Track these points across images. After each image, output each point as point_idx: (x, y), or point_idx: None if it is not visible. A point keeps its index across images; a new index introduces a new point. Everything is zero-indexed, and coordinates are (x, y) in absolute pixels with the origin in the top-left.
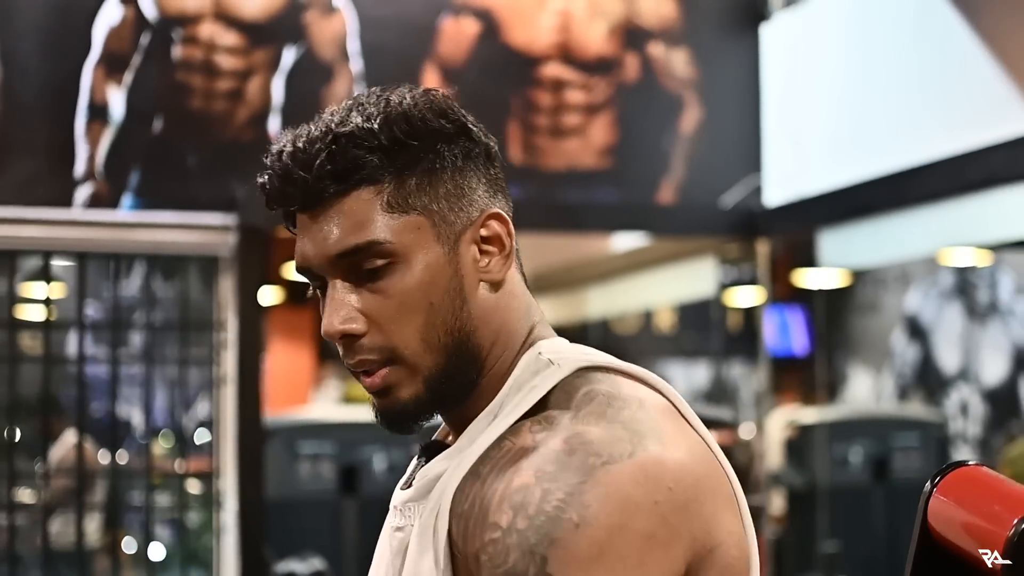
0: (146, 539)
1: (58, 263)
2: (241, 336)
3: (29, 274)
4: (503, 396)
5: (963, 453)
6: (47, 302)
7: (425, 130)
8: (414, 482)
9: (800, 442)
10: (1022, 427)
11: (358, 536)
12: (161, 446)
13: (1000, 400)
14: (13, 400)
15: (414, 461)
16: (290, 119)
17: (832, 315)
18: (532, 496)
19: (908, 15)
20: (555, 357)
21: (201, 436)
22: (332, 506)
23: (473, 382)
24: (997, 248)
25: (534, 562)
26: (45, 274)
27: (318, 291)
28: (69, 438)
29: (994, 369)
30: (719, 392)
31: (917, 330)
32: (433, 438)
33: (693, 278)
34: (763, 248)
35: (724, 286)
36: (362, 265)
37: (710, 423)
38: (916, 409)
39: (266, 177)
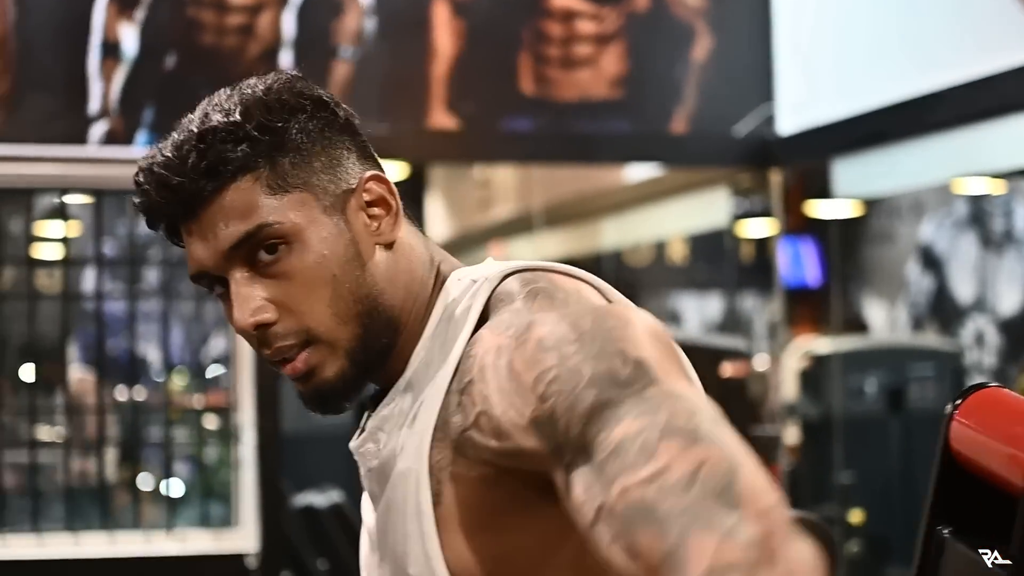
0: (165, 475)
1: (73, 201)
2: None
3: (44, 212)
4: (430, 333)
5: None
6: (64, 240)
7: (284, 110)
8: (367, 427)
9: (815, 373)
10: None
11: None
12: (178, 382)
13: (1016, 330)
14: (31, 338)
15: (365, 413)
16: (301, 54)
17: (846, 246)
18: (561, 333)
19: None
20: (476, 275)
21: (216, 371)
22: (347, 440)
23: (391, 343)
24: (1012, 176)
25: (614, 357)
26: (61, 212)
27: (219, 296)
28: (78, 374)
29: (1010, 299)
30: (733, 324)
31: (931, 260)
32: (376, 388)
33: (706, 209)
34: (776, 178)
35: (737, 217)
36: (256, 253)
37: (723, 353)
38: (931, 339)
39: (142, 195)
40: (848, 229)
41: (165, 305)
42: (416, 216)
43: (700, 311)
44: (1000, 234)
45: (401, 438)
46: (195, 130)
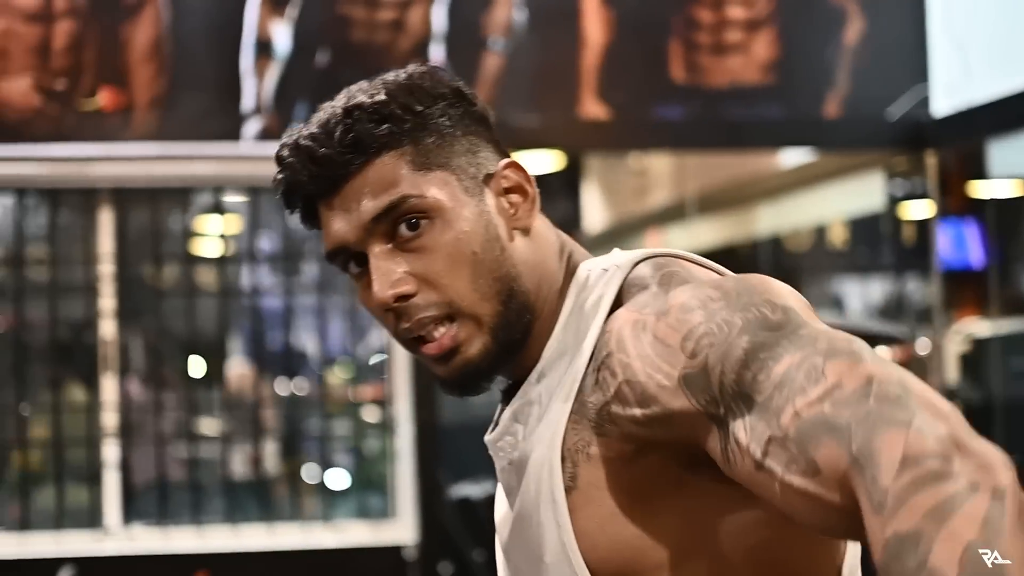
0: (323, 467)
1: (231, 198)
2: None
3: (202, 209)
4: (563, 323)
5: None
6: (222, 237)
7: (426, 95)
8: (502, 420)
9: (975, 356)
10: None
11: None
12: (336, 375)
13: None
14: (191, 334)
15: (499, 406)
16: (452, 47)
17: (1005, 227)
18: (704, 295)
19: None
20: (607, 264)
21: (378, 360)
22: None
23: (529, 326)
24: None
25: (763, 305)
26: (218, 209)
27: (354, 276)
28: (238, 368)
29: None
30: (893, 307)
31: None
32: (509, 383)
33: (863, 192)
34: (931, 160)
35: (895, 200)
36: (397, 228)
37: (877, 338)
38: None
39: (285, 170)
40: (1008, 210)
41: (322, 299)
42: (572, 205)
43: (856, 295)
44: None
45: (537, 429)
46: (341, 108)
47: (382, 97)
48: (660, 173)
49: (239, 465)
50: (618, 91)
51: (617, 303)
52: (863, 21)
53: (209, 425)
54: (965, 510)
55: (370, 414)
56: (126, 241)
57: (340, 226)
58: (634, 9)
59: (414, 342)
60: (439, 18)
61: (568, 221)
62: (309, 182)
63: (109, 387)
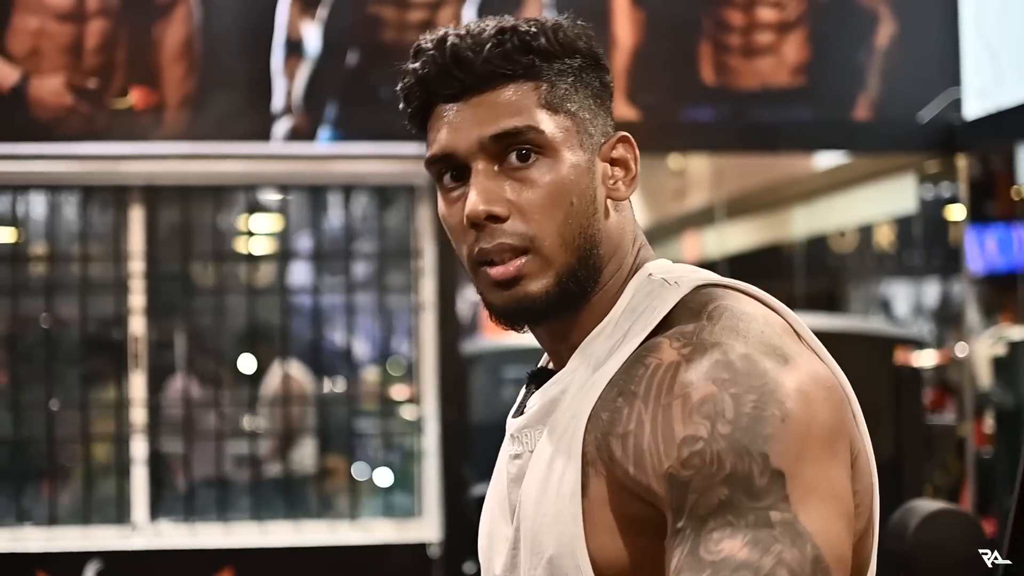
0: (349, 464)
1: (272, 197)
2: (440, 264)
3: (234, 207)
4: (615, 317)
5: None
6: (249, 234)
7: (579, 48)
8: (527, 409)
9: (1009, 360)
10: None
11: None
12: (376, 373)
13: None
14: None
15: (523, 389)
16: None
17: None
18: (724, 402)
19: None
20: (669, 276)
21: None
22: None
23: (589, 292)
24: None
25: (755, 460)
26: (252, 208)
27: (447, 188)
28: (280, 369)
29: None
30: (930, 310)
31: None
32: (539, 366)
33: (896, 195)
34: (962, 163)
35: (930, 202)
36: (509, 154)
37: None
38: None
39: (425, 63)
40: None
41: (353, 298)
42: None
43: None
44: None
45: (564, 423)
46: (494, 24)
47: (535, 30)
48: (698, 175)
49: (271, 462)
50: (648, 93)
51: (668, 319)
52: (895, 24)
53: (249, 422)
54: None
55: (411, 413)
56: (156, 239)
57: (454, 135)
58: (664, 11)
59: (480, 264)
60: (469, 18)
61: None
62: (441, 80)
63: (138, 383)
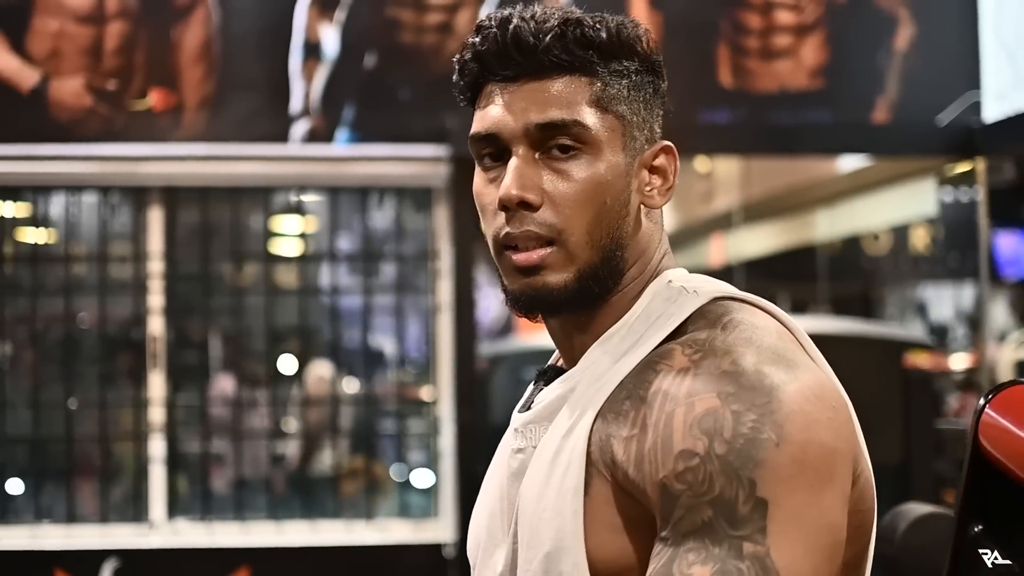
0: (366, 464)
1: (292, 198)
2: (456, 265)
3: (258, 208)
4: (629, 321)
5: None
6: (269, 235)
7: (635, 51)
8: (533, 405)
9: None
10: None
11: None
12: (410, 373)
13: None
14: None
15: (531, 386)
16: None
17: None
18: (724, 419)
19: None
20: (688, 285)
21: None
22: None
23: (608, 293)
24: None
25: (742, 486)
26: (271, 208)
27: (485, 168)
28: (317, 370)
29: None
30: (958, 314)
31: None
32: (548, 364)
33: (918, 198)
34: (981, 166)
35: (951, 206)
36: (554, 144)
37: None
38: None
39: (486, 40)
40: None
41: (366, 297)
42: None
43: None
44: None
45: (569, 421)
46: (559, 13)
47: (599, 27)
48: (723, 178)
49: (312, 461)
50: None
51: (681, 328)
52: (914, 27)
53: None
54: None
55: (424, 414)
56: (175, 239)
57: (503, 117)
58: (682, 13)
59: (505, 248)
60: None
61: None
62: (498, 60)
63: (156, 383)
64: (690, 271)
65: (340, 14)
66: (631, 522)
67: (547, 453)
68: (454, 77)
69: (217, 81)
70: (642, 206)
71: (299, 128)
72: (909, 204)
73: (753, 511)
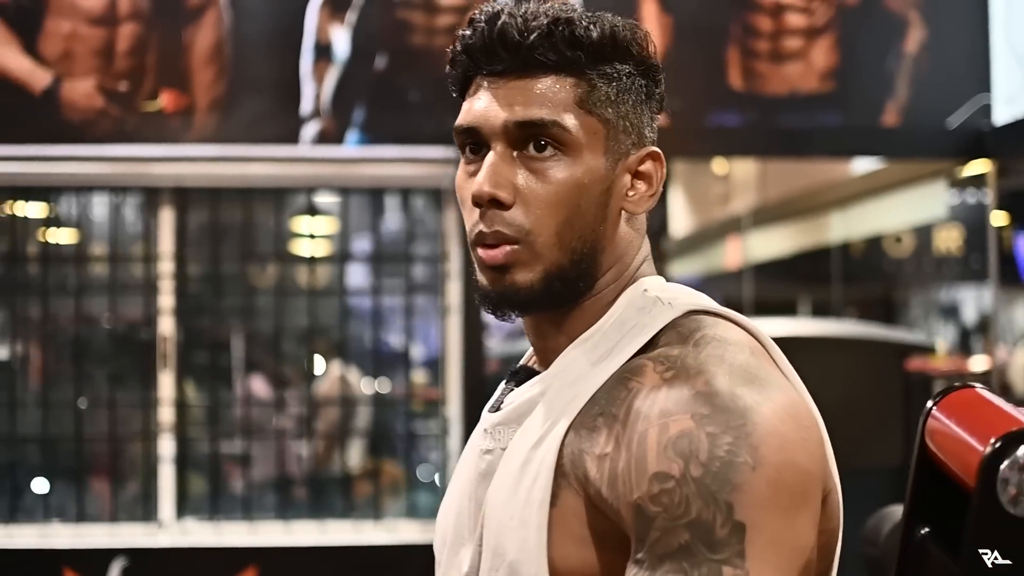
0: (374, 463)
1: (306, 198)
2: (465, 267)
3: (269, 209)
4: (603, 327)
5: None
6: (279, 236)
7: (628, 52)
8: (503, 406)
9: None
10: None
11: None
12: (424, 374)
13: None
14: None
15: (502, 385)
16: None
17: None
18: (699, 441)
19: None
20: (663, 296)
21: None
22: None
23: (579, 296)
24: None
25: (720, 509)
26: (284, 209)
27: (466, 161)
28: (331, 370)
29: None
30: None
31: None
32: (520, 364)
33: (930, 201)
34: (991, 169)
35: (961, 208)
36: (529, 143)
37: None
38: None
39: (475, 35)
40: None
41: (378, 297)
42: (660, 210)
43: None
44: None
45: (540, 429)
46: (550, 11)
47: (591, 28)
48: (741, 179)
49: (326, 462)
50: (675, 98)
51: (655, 339)
52: (924, 30)
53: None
54: None
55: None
56: (186, 240)
57: (485, 111)
58: (692, 16)
59: (476, 244)
60: None
61: (655, 227)
62: (484, 55)
63: (166, 383)
64: (707, 273)
65: (351, 16)
66: (599, 536)
67: (516, 460)
68: (446, 68)
69: (228, 82)
70: (623, 211)
71: (309, 129)
72: (921, 207)
73: (731, 535)
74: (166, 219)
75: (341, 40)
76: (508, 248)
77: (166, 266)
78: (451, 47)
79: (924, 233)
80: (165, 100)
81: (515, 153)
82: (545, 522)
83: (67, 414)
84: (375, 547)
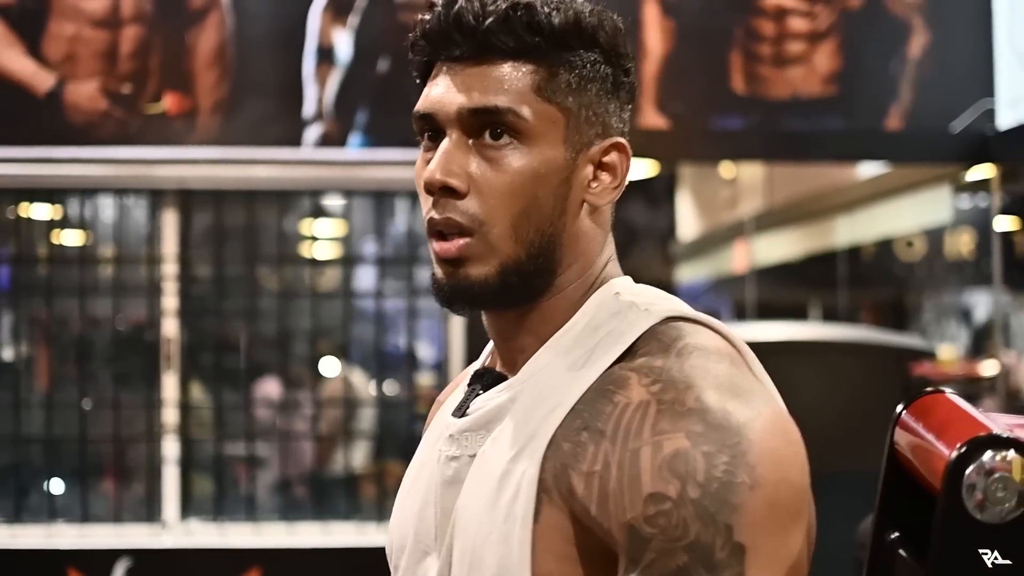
0: (376, 465)
1: (307, 200)
2: None
3: (272, 211)
4: (574, 330)
5: None
6: (283, 238)
7: (591, 39)
8: (469, 411)
9: None
10: None
11: None
12: (429, 376)
13: None
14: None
15: (464, 387)
16: None
17: None
18: (695, 461)
19: None
20: (639, 300)
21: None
22: None
23: (538, 293)
24: None
25: (719, 532)
26: (287, 211)
27: (424, 148)
28: (336, 372)
29: None
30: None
31: None
32: (483, 365)
33: (934, 205)
34: (995, 173)
35: (967, 212)
36: (485, 130)
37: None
38: None
39: (432, 20)
40: None
41: (380, 302)
42: (668, 213)
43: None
44: None
45: (517, 439)
46: None
47: (553, 14)
48: (748, 183)
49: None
50: (678, 101)
51: (633, 346)
52: (927, 34)
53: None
54: None
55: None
56: (189, 241)
57: (441, 98)
58: (695, 20)
59: (430, 235)
60: None
61: (664, 230)
62: (441, 41)
63: (170, 384)
64: (715, 277)
65: (353, 19)
66: (584, 552)
67: (492, 471)
68: (409, 55)
69: (231, 85)
70: (585, 203)
71: (312, 132)
72: (927, 211)
73: (731, 556)
74: (170, 221)
75: (344, 43)
76: (462, 241)
77: (170, 268)
78: (412, 32)
79: (935, 237)
80: (168, 102)
81: (471, 141)
82: (529, 538)
83: (72, 415)
84: (379, 549)
